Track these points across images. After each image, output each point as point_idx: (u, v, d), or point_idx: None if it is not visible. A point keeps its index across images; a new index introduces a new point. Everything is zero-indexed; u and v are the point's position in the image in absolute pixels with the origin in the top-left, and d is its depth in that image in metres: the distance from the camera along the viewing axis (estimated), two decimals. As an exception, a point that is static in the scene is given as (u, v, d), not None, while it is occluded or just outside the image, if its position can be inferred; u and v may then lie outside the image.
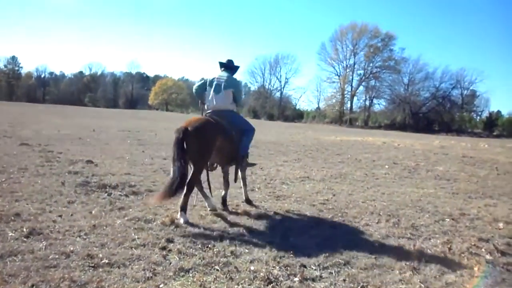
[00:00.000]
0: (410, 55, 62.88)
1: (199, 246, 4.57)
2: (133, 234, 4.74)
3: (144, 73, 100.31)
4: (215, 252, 4.38)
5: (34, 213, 5.25)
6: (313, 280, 3.92)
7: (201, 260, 4.13)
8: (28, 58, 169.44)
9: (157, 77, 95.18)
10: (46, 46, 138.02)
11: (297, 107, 76.11)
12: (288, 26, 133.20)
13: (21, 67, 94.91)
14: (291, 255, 4.47)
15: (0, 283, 3.31)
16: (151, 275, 3.70)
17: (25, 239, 4.33)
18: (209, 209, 6.15)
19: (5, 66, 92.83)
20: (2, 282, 3.33)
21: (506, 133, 50.93)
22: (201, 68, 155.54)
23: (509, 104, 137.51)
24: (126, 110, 67.66)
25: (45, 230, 4.63)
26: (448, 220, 6.49)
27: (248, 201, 6.75)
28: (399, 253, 4.85)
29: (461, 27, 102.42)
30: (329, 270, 4.17)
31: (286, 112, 70.00)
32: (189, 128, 5.59)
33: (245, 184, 6.89)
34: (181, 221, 5.37)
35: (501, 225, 6.35)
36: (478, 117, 63.83)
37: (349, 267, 4.28)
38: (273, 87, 75.08)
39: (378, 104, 65.29)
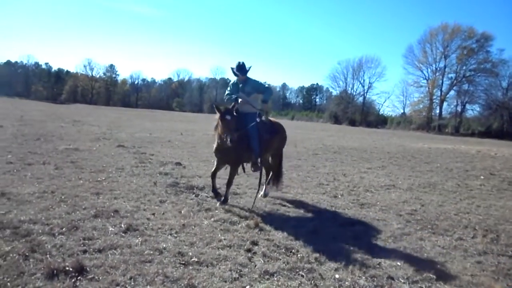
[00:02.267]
0: (510, 57, 57.78)
1: (283, 250, 4.60)
2: (219, 235, 4.91)
3: (228, 78, 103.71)
4: (299, 258, 4.38)
5: (130, 210, 5.66)
6: (402, 293, 3.75)
7: (286, 265, 4.16)
8: (123, 66, 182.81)
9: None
10: (140, 54, 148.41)
11: (381, 112, 73.72)
12: (373, 29, 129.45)
13: (118, 74, 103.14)
14: (377, 266, 4.33)
15: (102, 274, 3.61)
16: (237, 276, 3.80)
17: (123, 234, 4.68)
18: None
19: (104, 74, 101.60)
20: (104, 273, 3.63)
21: None
22: (283, 72, 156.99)
23: None
24: (211, 114, 70.35)
25: (141, 227, 4.97)
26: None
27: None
28: (499, 273, 4.47)
29: None
30: (419, 285, 3.97)
31: (369, 118, 67.96)
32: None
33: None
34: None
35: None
36: None
37: (441, 283, 4.03)
38: (355, 92, 73.43)
39: (472, 109, 60.79)
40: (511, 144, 34.44)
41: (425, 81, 62.21)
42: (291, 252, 4.56)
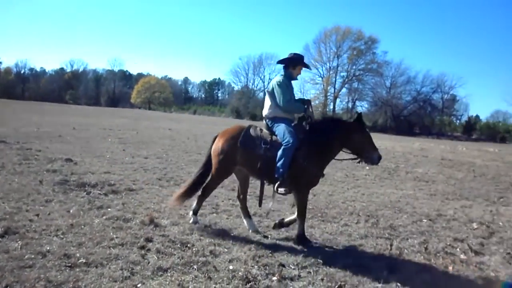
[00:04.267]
0: (392, 59, 63.75)
1: (178, 245, 4.55)
2: (111, 233, 4.69)
3: (127, 71, 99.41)
4: (194, 252, 4.37)
5: (10, 212, 5.15)
6: (292, 279, 3.95)
7: (180, 260, 4.12)
8: (7, 53, 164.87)
9: (140, 75, 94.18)
10: (27, 41, 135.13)
11: (281, 108, 76.36)
12: (273, 26, 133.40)
13: (0, 62, 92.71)
14: (270, 255, 4.50)
15: (-28, 282, 3.25)
16: (128, 274, 3.68)
17: (0, 239, 4.25)
18: (250, 231, 5.35)
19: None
20: (-25, 282, 3.26)
21: (484, 137, 52.05)
22: (185, 67, 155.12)
23: (487, 109, 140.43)
24: (108, 108, 66.85)
25: (21, 229, 4.55)
26: (425, 220, 6.62)
27: (280, 224, 5.50)
28: (377, 253, 4.93)
29: (442, 33, 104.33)
30: (307, 270, 4.21)
31: (269, 113, 70.10)
32: (218, 135, 5.58)
33: (300, 218, 5.15)
34: (191, 221, 5.44)
35: (475, 225, 6.50)
36: (458, 121, 64.97)
37: (328, 267, 4.32)
38: (256, 87, 75.25)
39: (361, 106, 65.92)
40: (393, 138, 38.10)
41: (320, 78, 65.88)
42: (186, 246, 4.54)
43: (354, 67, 64.02)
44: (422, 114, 59.39)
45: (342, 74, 64.80)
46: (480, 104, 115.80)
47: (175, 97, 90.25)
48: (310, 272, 4.15)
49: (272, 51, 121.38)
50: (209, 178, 5.52)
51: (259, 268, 4.10)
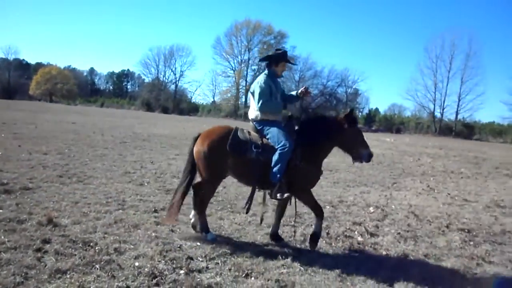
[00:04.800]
0: (301, 54, 66.23)
1: (80, 245, 4.32)
2: (2, 237, 4.31)
3: (23, 59, 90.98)
4: (97, 251, 4.18)
5: None
6: (199, 271, 3.97)
7: (81, 260, 3.91)
8: None
9: (39, 65, 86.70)
10: None
11: (193, 100, 75.58)
12: (184, 17, 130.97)
13: None
14: (178, 249, 4.48)
15: None
16: (21, 280, 3.41)
17: None
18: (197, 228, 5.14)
19: None
20: None
21: (382, 128, 56.53)
22: (91, 57, 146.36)
23: (385, 102, 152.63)
24: (2, 100, 60.82)
25: None
26: (328, 207, 7.02)
27: (274, 237, 5.18)
28: (287, 241, 5.13)
29: (345, 30, 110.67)
30: (215, 261, 4.25)
31: (181, 106, 68.87)
32: (200, 135, 5.09)
33: (278, 218, 5.30)
34: (209, 237, 4.90)
35: (371, 209, 7.05)
36: (360, 114, 69.62)
37: (235, 257, 4.41)
38: (167, 79, 73.45)
39: (272, 99, 67.71)
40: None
41: (232, 71, 66.32)
42: (88, 246, 4.32)
43: (264, 61, 65.38)
44: (328, 107, 62.55)
45: (253, 67, 65.75)
46: (379, 98, 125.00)
47: (80, 89, 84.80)
48: (218, 263, 4.20)
49: (183, 42, 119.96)
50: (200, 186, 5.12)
51: (166, 262, 4.05)
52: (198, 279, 3.77)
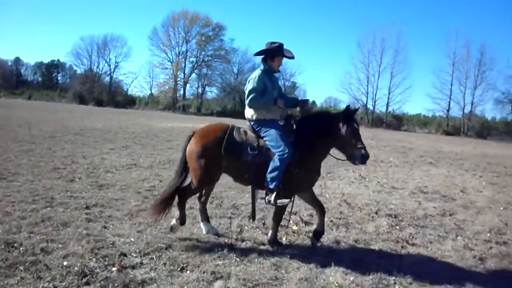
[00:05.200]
0: (239, 46, 66.48)
1: (2, 246, 4.05)
2: None
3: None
4: (22, 252, 3.94)
5: None
6: (133, 267, 3.88)
7: (3, 262, 3.67)
8: None
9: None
10: None
11: (129, 93, 73.07)
12: (118, 6, 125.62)
13: None
14: (111, 245, 4.34)
15: None
16: None
17: None
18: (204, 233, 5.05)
19: None
20: None
21: (319, 120, 58.34)
22: (15, 45, 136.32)
23: (321, 95, 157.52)
24: None
25: None
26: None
27: (273, 242, 4.87)
28: (220, 232, 5.14)
29: (283, 23, 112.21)
30: (150, 256, 4.18)
31: (117, 98, 66.33)
32: (194, 134, 4.90)
33: (275, 222, 4.94)
34: (174, 229, 4.91)
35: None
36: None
37: (171, 251, 4.37)
38: (102, 71, 70.37)
39: (210, 92, 67.29)
40: (241, 122, 39.92)
41: (169, 63, 64.91)
42: (12, 247, 4.05)
43: (203, 53, 64.64)
44: (266, 99, 63.46)
45: (191, 59, 64.94)
46: (316, 91, 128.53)
47: (5, 80, 78.91)
48: (153, 258, 4.13)
49: (118, 32, 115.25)
50: (189, 183, 4.92)
51: (98, 260, 3.92)
52: (132, 276, 3.68)
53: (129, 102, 66.63)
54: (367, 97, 59.04)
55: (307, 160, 4.62)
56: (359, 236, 5.43)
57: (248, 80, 4.85)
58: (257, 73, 4.79)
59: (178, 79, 64.43)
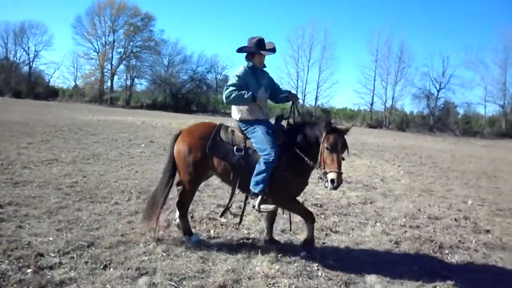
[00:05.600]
0: (169, 38, 65.01)
1: None
2: None
3: None
4: None
5: None
6: (51, 268, 3.68)
7: None
8: None
9: None
10: None
11: (51, 84, 68.47)
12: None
13: None
14: (26, 246, 4.08)
15: None
16: None
17: None
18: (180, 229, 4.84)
19: None
20: None
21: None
22: None
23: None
24: None
25: None
26: (194, 191, 7.07)
27: (271, 240, 4.84)
28: (150, 228, 5.02)
29: (214, 17, 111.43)
30: (70, 255, 3.99)
31: (37, 89, 61.81)
32: (181, 133, 4.71)
33: (270, 224, 4.89)
34: (189, 244, 4.52)
35: (237, 191, 7.29)
36: (229, 100, 71.17)
37: (93, 248, 4.20)
38: (19, 60, 65.21)
39: (140, 84, 65.10)
40: (172, 115, 39.18)
41: (95, 53, 61.80)
42: None
43: (131, 43, 62.28)
44: (198, 92, 62.69)
45: (119, 50, 62.30)
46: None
47: None
48: (73, 257, 3.94)
49: (37, 18, 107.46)
50: (181, 189, 4.78)
51: (11, 262, 3.67)
52: (49, 276, 3.49)
53: (51, 93, 62.57)
54: (297, 91, 60.48)
55: (296, 165, 4.35)
56: (286, 226, 5.56)
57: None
58: (239, 70, 4.61)
59: (105, 70, 61.63)
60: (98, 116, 26.05)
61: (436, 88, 53.45)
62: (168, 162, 4.79)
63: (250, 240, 4.92)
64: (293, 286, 3.65)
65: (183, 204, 4.78)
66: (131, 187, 7.00)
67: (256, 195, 4.31)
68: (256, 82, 4.57)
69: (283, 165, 4.28)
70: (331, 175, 3.95)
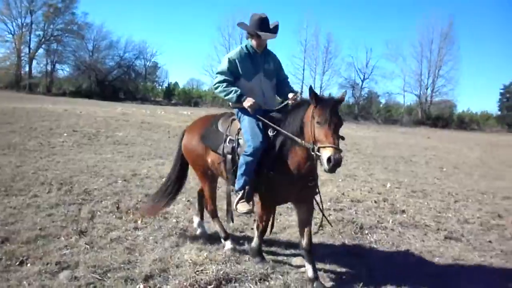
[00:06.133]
0: (94, 21, 61.56)
1: None
2: None
3: None
4: None
5: None
6: (-41, 267, 3.40)
7: None
8: None
9: None
10: None
11: (-42, 68, 62.22)
12: None
13: None
14: None
15: None
16: None
17: None
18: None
19: None
20: None
21: (182, 102, 57.75)
22: None
23: (184, 76, 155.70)
24: None
25: None
26: (120, 181, 6.86)
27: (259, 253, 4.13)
28: (72, 220, 4.80)
29: (142, 1, 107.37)
30: (-21, 255, 3.70)
31: None
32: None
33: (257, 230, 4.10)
34: (229, 248, 4.29)
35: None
36: (160, 87, 69.41)
37: (8, 244, 3.95)
38: None
39: (62, 70, 61.06)
40: (98, 103, 37.27)
41: (10, 35, 57.00)
42: None
43: (52, 26, 58.14)
44: (126, 79, 60.32)
45: (38, 33, 57.76)
46: (179, 72, 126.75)
47: None
48: (-15, 255, 3.67)
49: None
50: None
51: None
52: (-44, 276, 3.23)
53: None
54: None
55: (284, 161, 3.65)
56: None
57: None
58: (234, 51, 4.08)
59: (22, 54, 57.11)
60: (17, 104, 24.18)
61: (360, 78, 56.10)
62: (176, 156, 4.75)
63: (179, 229, 4.87)
64: (221, 272, 3.67)
65: (210, 206, 4.54)
66: (51, 178, 6.61)
67: (236, 192, 3.89)
68: (252, 67, 4.00)
69: (269, 162, 3.66)
70: (326, 153, 3.13)
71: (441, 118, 51.93)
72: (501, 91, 57.39)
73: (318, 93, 3.46)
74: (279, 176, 3.63)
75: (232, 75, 3.97)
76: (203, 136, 4.25)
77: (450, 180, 10.36)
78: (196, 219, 4.78)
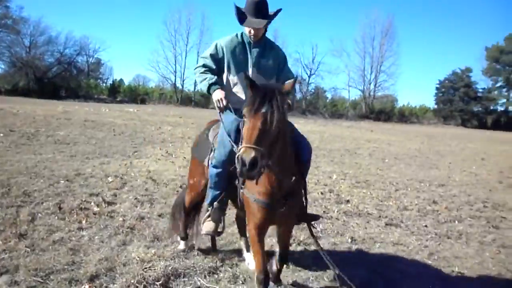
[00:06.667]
0: (30, 15, 58.34)
1: None
2: None
3: None
4: None
5: None
6: None
7: None
8: None
9: None
10: None
11: None
12: None
13: None
14: None
15: None
16: None
17: None
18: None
19: None
20: None
21: (127, 99, 56.19)
22: None
23: (129, 73, 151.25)
24: None
25: None
26: (63, 182, 6.60)
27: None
28: (11, 223, 4.56)
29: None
30: None
31: None
32: None
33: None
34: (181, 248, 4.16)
35: (110, 179, 7.01)
36: (104, 84, 67.04)
37: None
38: None
39: (-3, 66, 57.53)
40: (36, 101, 35.36)
41: None
42: None
43: (-17, 20, 54.58)
44: (67, 76, 57.76)
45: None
46: (124, 69, 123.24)
47: None
48: None
49: None
50: None
51: None
52: None
53: None
54: (175, 76, 59.66)
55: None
56: (163, 210, 5.53)
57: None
58: (226, 37, 3.49)
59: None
60: None
61: (307, 74, 57.36)
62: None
63: (126, 228, 4.77)
64: (170, 267, 3.66)
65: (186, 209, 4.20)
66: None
67: (207, 208, 3.54)
68: (243, 58, 3.41)
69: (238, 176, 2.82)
70: (237, 154, 2.44)
71: (383, 112, 54.33)
72: (437, 85, 61.16)
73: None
74: (249, 193, 3.00)
75: (216, 63, 3.44)
76: (195, 146, 3.98)
77: (391, 171, 10.88)
78: (247, 254, 4.08)
